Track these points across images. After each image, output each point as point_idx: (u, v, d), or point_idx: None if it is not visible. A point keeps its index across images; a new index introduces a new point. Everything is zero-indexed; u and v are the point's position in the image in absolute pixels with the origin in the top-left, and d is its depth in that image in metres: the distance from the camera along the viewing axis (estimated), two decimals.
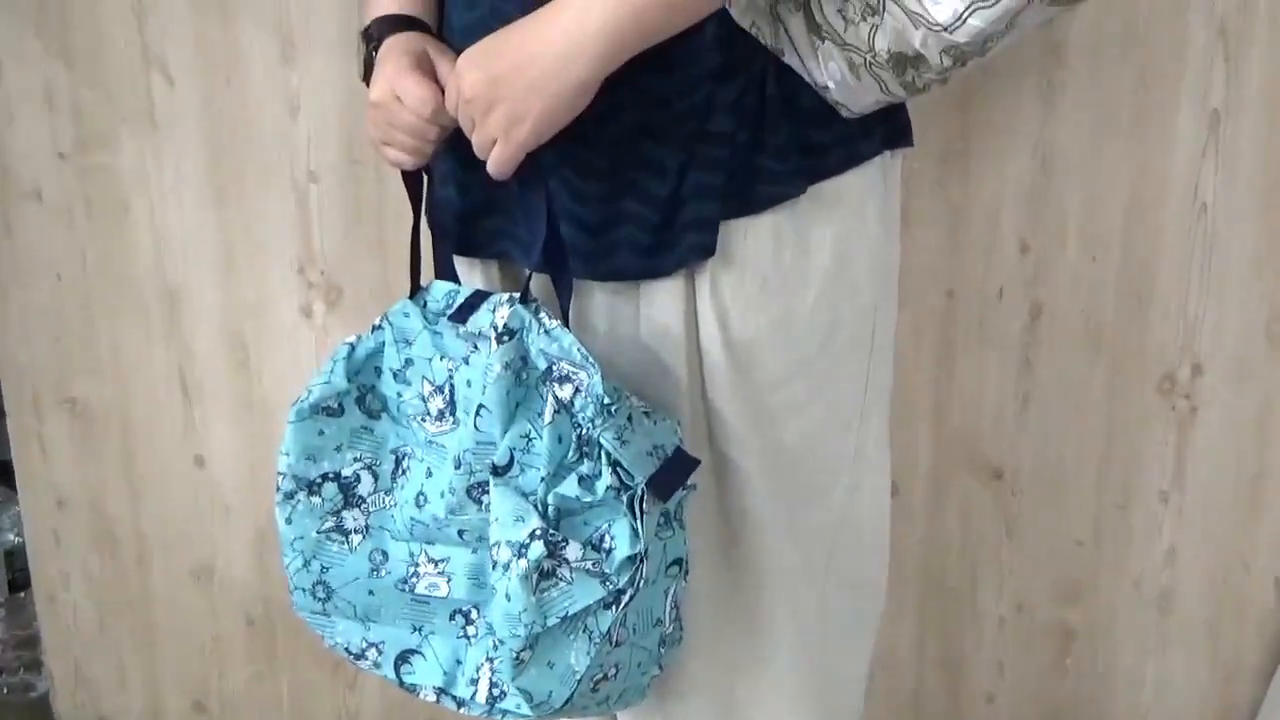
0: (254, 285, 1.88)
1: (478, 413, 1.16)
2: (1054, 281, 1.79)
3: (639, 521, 1.12)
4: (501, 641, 1.14)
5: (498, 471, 1.15)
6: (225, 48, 1.78)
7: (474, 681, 1.22)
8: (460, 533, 1.20)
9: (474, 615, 1.22)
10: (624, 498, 1.12)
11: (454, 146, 1.20)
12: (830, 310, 1.21)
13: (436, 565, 1.24)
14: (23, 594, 2.31)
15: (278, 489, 1.26)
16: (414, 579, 1.24)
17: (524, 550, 1.10)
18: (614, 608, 1.13)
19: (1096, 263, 1.77)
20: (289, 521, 1.26)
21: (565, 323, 1.16)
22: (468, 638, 1.23)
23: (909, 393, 1.82)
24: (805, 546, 1.27)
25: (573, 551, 1.11)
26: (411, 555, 1.25)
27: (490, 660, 1.20)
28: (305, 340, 1.90)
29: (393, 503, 1.26)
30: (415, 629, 1.25)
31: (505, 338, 1.15)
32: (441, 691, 1.25)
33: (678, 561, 1.19)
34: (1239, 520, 1.84)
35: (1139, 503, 1.85)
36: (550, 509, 1.13)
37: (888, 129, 1.24)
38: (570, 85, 1.08)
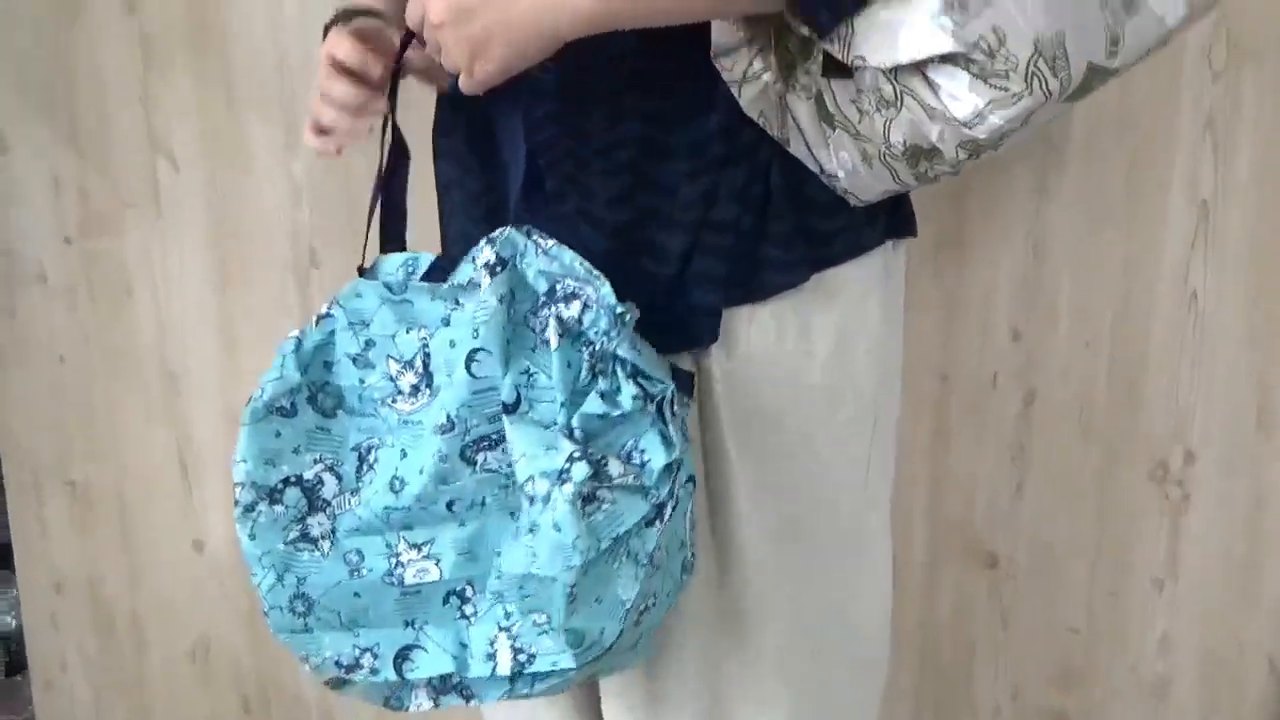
0: (254, 368, 1.88)
1: (472, 359, 1.11)
2: (1047, 368, 1.80)
3: (669, 427, 1.08)
4: (554, 579, 1.09)
5: (509, 409, 1.10)
6: (230, 134, 1.81)
7: (490, 656, 1.16)
8: (450, 504, 1.15)
9: (469, 593, 1.17)
10: (650, 406, 1.09)
11: (466, 208, 1.22)
12: (832, 396, 1.22)
13: (420, 550, 1.17)
14: (19, 677, 2.30)
15: (236, 502, 1.17)
16: (399, 569, 1.17)
17: (565, 475, 1.05)
18: (657, 522, 1.08)
19: (1089, 349, 1.79)
20: (253, 537, 1.17)
21: None
22: (466, 618, 1.17)
23: (904, 477, 1.82)
24: (806, 624, 1.27)
25: (614, 467, 1.06)
26: (390, 546, 1.17)
27: (507, 628, 1.15)
28: None
29: (359, 501, 1.18)
30: (408, 624, 1.18)
31: (498, 268, 1.10)
32: (447, 686, 1.18)
33: (691, 479, 1.14)
34: (1233, 606, 1.85)
35: (1133, 589, 1.86)
36: (576, 432, 1.08)
37: (891, 219, 1.26)
38: (545, 36, 1.06)
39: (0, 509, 2.09)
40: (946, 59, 1.03)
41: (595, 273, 1.10)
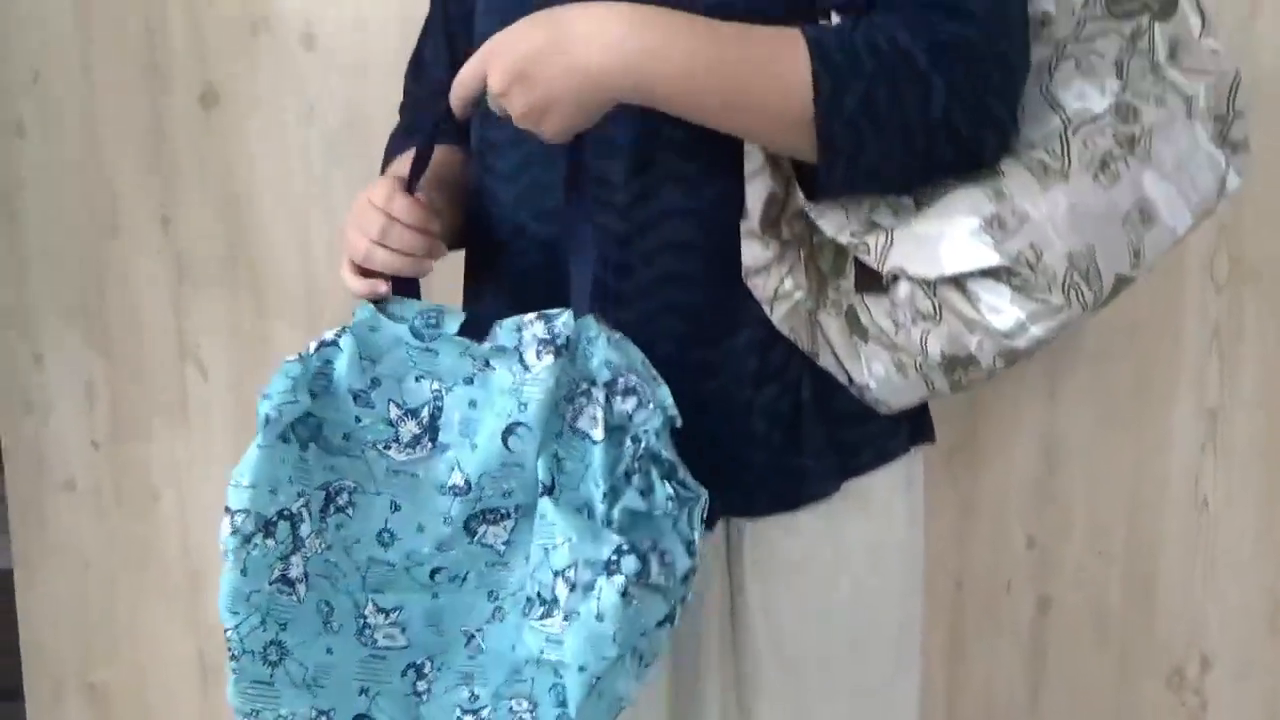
0: None
1: (511, 432, 1.09)
2: (1061, 574, 1.81)
3: (694, 534, 1.08)
4: (582, 668, 1.05)
5: (548, 491, 1.09)
6: (258, 342, 1.85)
7: None
8: (434, 572, 1.13)
9: (427, 669, 1.14)
10: (678, 511, 1.08)
11: (524, 267, 1.23)
12: (863, 603, 1.24)
13: (387, 616, 1.13)
14: None
15: (233, 531, 1.09)
16: (369, 631, 1.13)
17: (614, 566, 1.04)
18: (668, 625, 1.08)
19: (1102, 556, 1.80)
20: (244, 572, 1.09)
21: None
22: (417, 694, 1.14)
23: (920, 681, 1.82)
24: None
25: (654, 567, 1.06)
26: (357, 606, 1.13)
27: (474, 710, 1.12)
28: None
29: (324, 545, 1.12)
30: (362, 691, 1.13)
31: (563, 350, 1.09)
32: None
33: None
34: None
35: None
36: (614, 525, 1.07)
37: (913, 426, 1.29)
38: (588, 105, 1.07)
39: (19, 713, 2.09)
40: (988, 273, 1.07)
41: (655, 374, 1.10)
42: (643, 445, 1.09)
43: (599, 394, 1.10)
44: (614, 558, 1.04)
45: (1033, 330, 1.08)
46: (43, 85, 1.80)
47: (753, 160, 1.12)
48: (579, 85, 1.05)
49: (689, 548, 1.08)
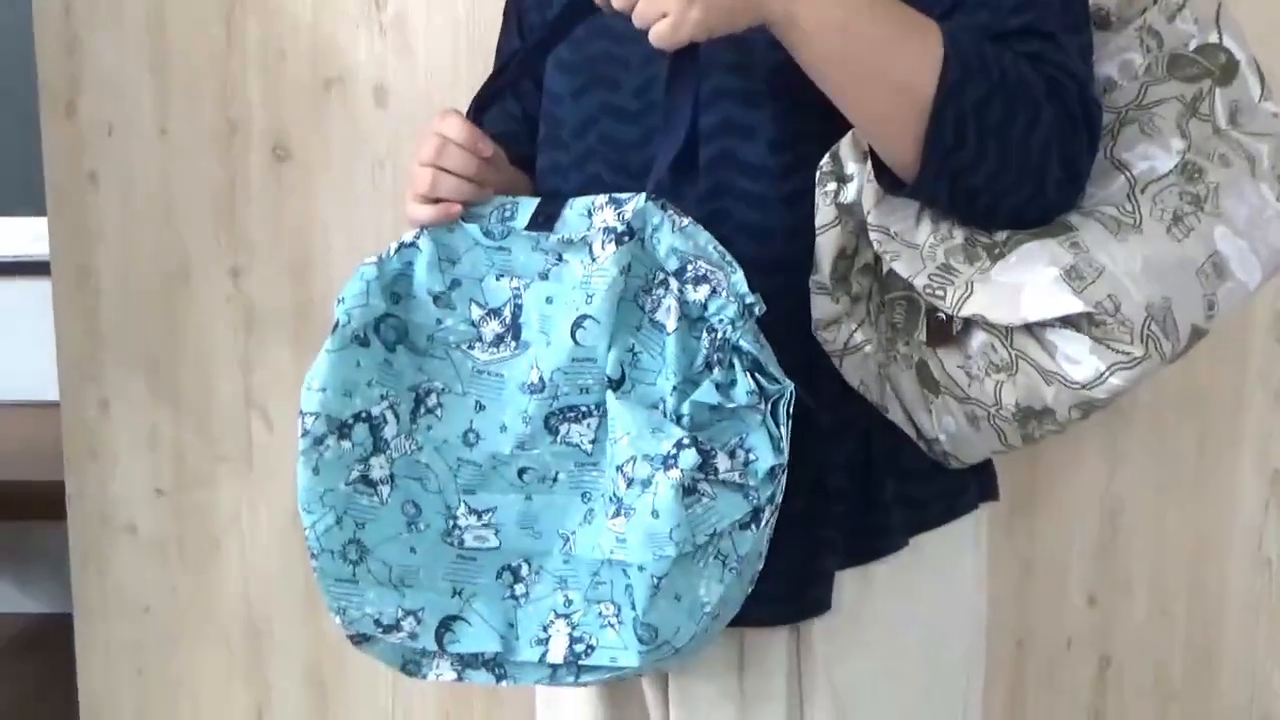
0: (338, 631, 1.90)
1: (579, 326, 1.07)
2: (1122, 634, 1.81)
3: (780, 430, 1.05)
4: (641, 567, 1.03)
5: (614, 385, 1.07)
6: None
7: (542, 641, 1.10)
8: (521, 472, 1.11)
9: (524, 571, 1.12)
10: (764, 405, 1.05)
11: (606, 154, 1.22)
12: (929, 660, 1.24)
13: (480, 517, 1.12)
14: None
15: (304, 433, 1.11)
16: (458, 532, 1.12)
17: (672, 461, 1.01)
18: (753, 526, 1.04)
19: (1164, 616, 1.80)
20: (316, 471, 1.10)
21: None
22: (515, 598, 1.12)
23: None
24: None
25: (722, 461, 1.02)
26: (449, 508, 1.12)
27: (566, 615, 1.09)
28: (383, 684, 1.92)
29: (414, 446, 1.13)
30: (456, 592, 1.12)
31: (625, 238, 1.07)
32: (478, 661, 1.12)
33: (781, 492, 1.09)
34: None
35: None
36: (685, 419, 1.04)
37: (980, 484, 1.29)
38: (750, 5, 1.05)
39: None
40: (1067, 323, 1.08)
41: (729, 259, 1.07)
42: (720, 335, 1.06)
43: (674, 284, 1.08)
44: (673, 451, 1.02)
45: (1112, 381, 1.09)
46: (118, 138, 1.83)
47: (823, 214, 1.13)
48: None
49: (776, 444, 1.05)
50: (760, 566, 1.10)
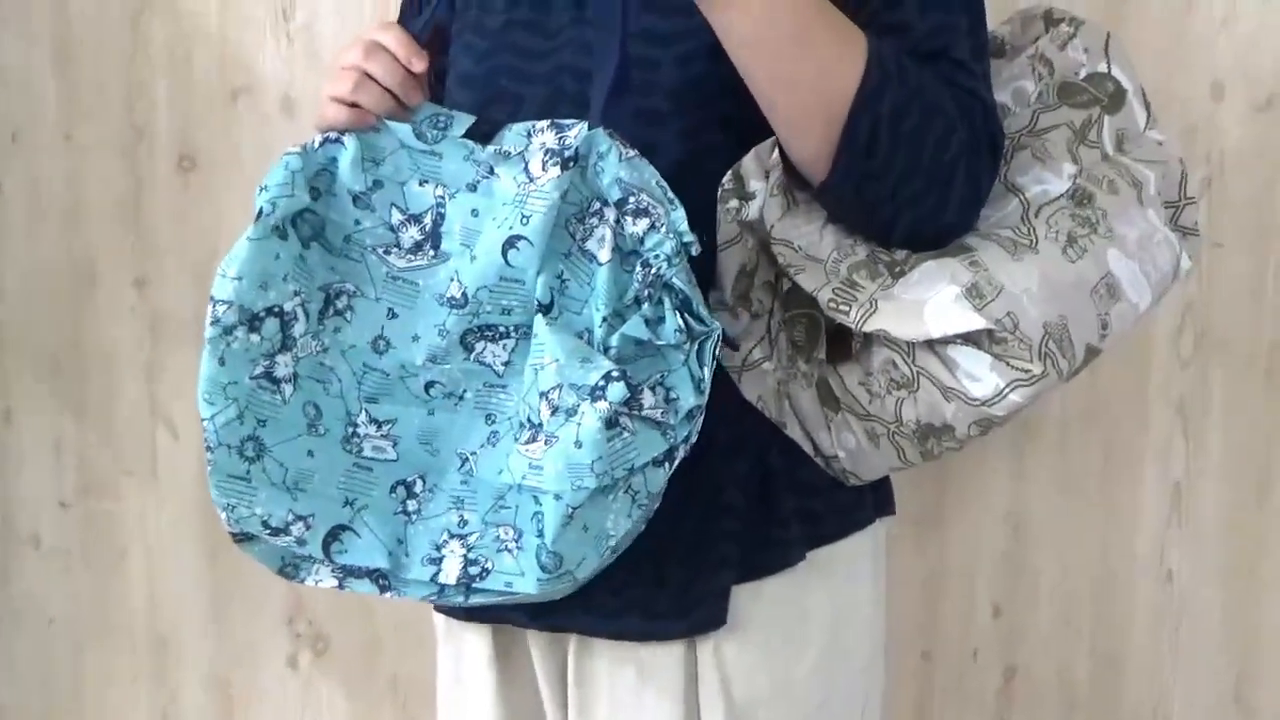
0: (243, 634, 1.90)
1: (511, 245, 1.06)
2: (1028, 644, 1.82)
3: (704, 371, 1.04)
4: (558, 496, 1.02)
5: (544, 309, 1.06)
6: None
7: (434, 561, 1.09)
8: (428, 386, 1.10)
9: (418, 488, 1.10)
10: (689, 345, 1.05)
11: (524, 73, 1.20)
12: (827, 672, 1.24)
13: (380, 427, 1.10)
14: None
15: (214, 320, 1.07)
16: (357, 440, 1.10)
17: (600, 392, 1.00)
18: (666, 465, 1.04)
19: (1069, 627, 1.81)
20: (222, 362, 1.07)
21: None
22: (406, 514, 1.10)
23: None
24: None
25: (647, 398, 1.02)
26: (349, 414, 1.10)
27: (461, 535, 1.08)
28: (291, 691, 1.91)
29: (320, 347, 1.10)
30: (348, 502, 1.09)
31: (570, 163, 1.05)
32: (380, 577, 1.09)
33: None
34: None
35: None
36: (612, 351, 1.04)
37: (877, 498, 1.30)
38: None
39: None
40: (968, 340, 1.09)
41: (671, 195, 1.06)
42: (653, 271, 1.05)
43: (610, 214, 1.06)
44: (601, 383, 1.01)
45: (1011, 397, 1.10)
46: (21, 145, 1.81)
47: (725, 231, 1.13)
48: None
49: (698, 385, 1.05)
50: (658, 505, 1.09)
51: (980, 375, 1.10)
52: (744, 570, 1.20)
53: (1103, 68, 1.21)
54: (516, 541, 1.06)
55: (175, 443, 1.87)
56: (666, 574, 1.18)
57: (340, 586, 1.11)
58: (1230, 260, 1.71)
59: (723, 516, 1.19)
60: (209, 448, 1.08)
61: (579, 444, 1.01)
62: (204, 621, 1.90)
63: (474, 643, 1.31)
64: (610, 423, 1.01)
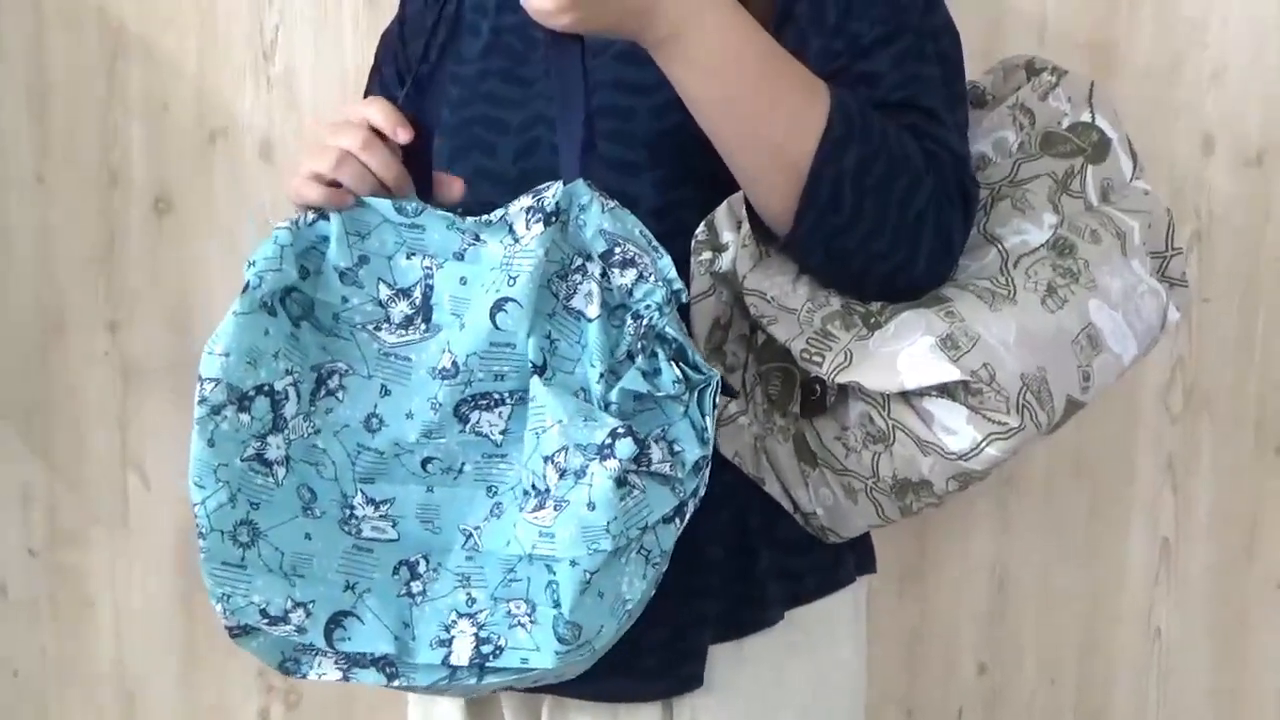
0: (214, 687, 1.87)
1: (500, 309, 1.03)
2: (1012, 703, 1.80)
3: (706, 420, 1.02)
4: (574, 562, 0.98)
5: (539, 371, 1.03)
6: None
7: (444, 643, 1.04)
8: (425, 462, 1.07)
9: (422, 568, 1.06)
10: (689, 395, 1.03)
11: (491, 145, 1.20)
12: None
13: (378, 508, 1.07)
14: None
15: (202, 400, 1.03)
16: (355, 522, 1.06)
17: (608, 451, 0.98)
18: (676, 521, 1.01)
19: (1055, 685, 1.79)
20: (211, 444, 1.03)
21: None
22: (410, 595, 1.06)
23: None
24: None
25: (656, 453, 0.99)
26: (345, 496, 1.06)
27: (471, 614, 1.04)
28: None
29: (311, 429, 1.07)
30: (349, 586, 1.05)
31: (553, 219, 1.03)
32: (367, 659, 1.05)
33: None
34: None
35: None
36: (613, 408, 1.01)
37: (858, 556, 1.28)
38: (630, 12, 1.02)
39: None
40: (944, 391, 1.07)
41: (655, 243, 1.04)
42: (645, 322, 1.03)
43: (594, 269, 1.04)
44: (608, 441, 0.99)
45: (988, 451, 1.08)
46: None
47: (698, 284, 1.11)
48: None
49: (701, 435, 1.03)
50: (666, 565, 1.06)
51: (957, 428, 1.08)
52: (722, 629, 1.19)
53: (1086, 117, 1.20)
54: (530, 615, 1.03)
55: (147, 492, 1.84)
56: (645, 632, 1.15)
57: (345, 678, 1.07)
58: (1219, 315, 1.70)
59: (702, 573, 1.17)
60: (201, 534, 1.04)
61: (592, 506, 0.99)
62: (174, 674, 1.88)
63: (445, 703, 1.29)
64: (620, 481, 0.98)
